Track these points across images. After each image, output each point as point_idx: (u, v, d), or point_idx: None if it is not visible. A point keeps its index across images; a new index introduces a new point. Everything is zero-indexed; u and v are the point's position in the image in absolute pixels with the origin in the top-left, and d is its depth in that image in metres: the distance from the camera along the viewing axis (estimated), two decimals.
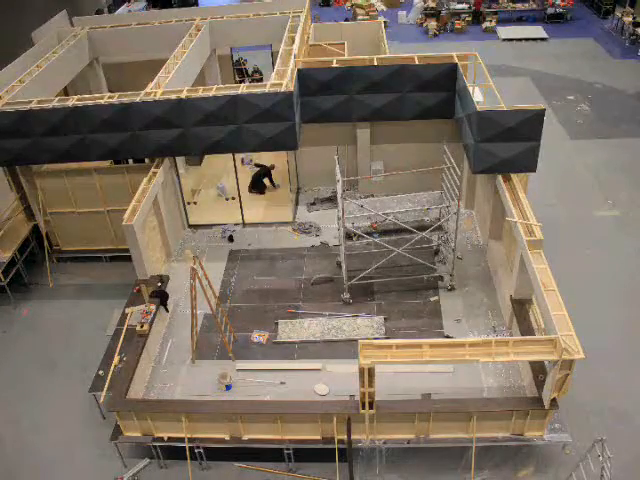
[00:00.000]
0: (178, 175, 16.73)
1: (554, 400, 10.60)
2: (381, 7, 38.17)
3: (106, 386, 11.70)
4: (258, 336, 13.56)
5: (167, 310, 13.93)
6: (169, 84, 15.21)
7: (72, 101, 14.75)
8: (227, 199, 17.85)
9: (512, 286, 13.06)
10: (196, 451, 11.67)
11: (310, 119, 16.06)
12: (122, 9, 32.54)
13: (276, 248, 16.43)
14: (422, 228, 14.48)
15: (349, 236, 15.00)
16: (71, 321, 15.44)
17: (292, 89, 14.23)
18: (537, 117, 13.21)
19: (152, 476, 12.01)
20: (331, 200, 18.09)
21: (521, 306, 12.68)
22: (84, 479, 12.08)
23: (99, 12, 31.01)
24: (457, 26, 33.59)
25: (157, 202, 14.98)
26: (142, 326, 12.54)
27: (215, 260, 16.04)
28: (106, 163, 17.12)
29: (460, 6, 35.36)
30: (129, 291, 14.04)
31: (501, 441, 11.22)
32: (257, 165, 18.76)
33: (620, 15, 32.35)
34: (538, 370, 11.22)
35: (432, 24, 34.00)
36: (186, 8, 21.77)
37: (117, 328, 13.32)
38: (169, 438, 11.62)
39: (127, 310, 13.12)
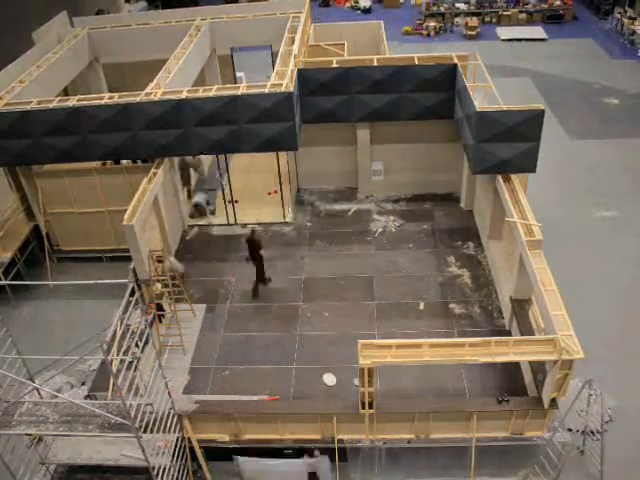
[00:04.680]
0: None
1: (554, 400, 10.62)
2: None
3: (110, 387, 11.69)
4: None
5: (161, 322, 13.95)
6: (169, 84, 15.23)
7: (72, 101, 14.77)
8: (231, 202, 17.78)
9: (512, 286, 13.09)
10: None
11: (310, 119, 16.08)
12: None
13: (275, 248, 16.46)
14: None
15: None
16: (71, 321, 15.45)
17: (292, 89, 14.25)
18: (536, 117, 13.24)
19: None
20: None
21: (521, 306, 12.70)
22: None
23: (100, 13, 31.01)
24: (470, 32, 33.33)
25: (157, 202, 15.00)
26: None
27: (215, 260, 16.08)
28: (106, 163, 17.15)
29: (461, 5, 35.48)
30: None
31: (501, 441, 11.25)
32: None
33: (619, 15, 32.40)
34: (537, 370, 11.23)
35: (431, 24, 34.09)
36: (186, 8, 21.73)
37: (116, 328, 13.31)
38: None
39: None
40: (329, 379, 12.24)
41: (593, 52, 30.42)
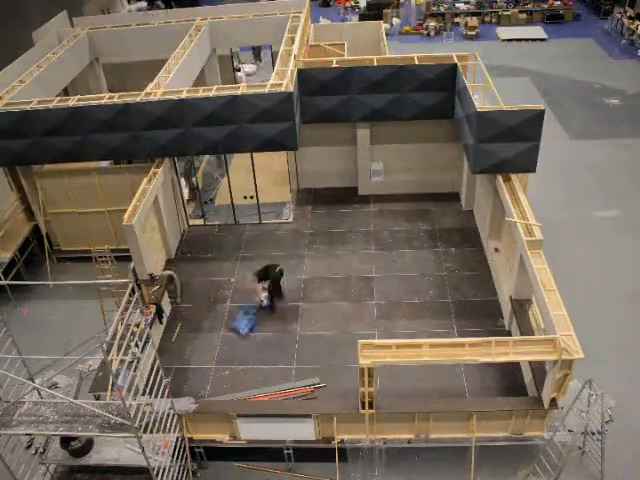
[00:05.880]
0: (178, 175, 16.75)
1: (554, 400, 10.62)
2: None
3: (109, 387, 11.70)
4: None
5: (161, 322, 13.94)
6: (169, 84, 15.23)
7: (72, 101, 14.77)
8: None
9: (512, 286, 13.08)
10: (196, 451, 11.69)
11: (310, 119, 16.08)
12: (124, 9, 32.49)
13: (276, 248, 16.46)
14: None
15: None
16: (71, 321, 15.45)
17: (292, 89, 14.25)
18: (536, 117, 13.23)
19: None
20: None
21: (521, 306, 12.70)
22: None
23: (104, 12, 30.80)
24: (470, 32, 33.33)
25: (157, 202, 15.01)
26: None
27: (215, 260, 16.09)
28: (106, 163, 17.15)
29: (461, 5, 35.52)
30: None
31: (501, 441, 11.24)
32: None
33: (619, 15, 32.41)
34: (537, 370, 11.23)
35: (431, 24, 34.12)
36: (186, 8, 21.78)
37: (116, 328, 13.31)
38: None
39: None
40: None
41: (593, 52, 30.42)
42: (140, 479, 10.84)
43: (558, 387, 10.36)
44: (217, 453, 11.84)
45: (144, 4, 34.91)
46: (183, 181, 17.42)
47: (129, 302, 9.85)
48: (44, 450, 10.97)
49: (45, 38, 19.25)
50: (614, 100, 25.42)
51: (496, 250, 14.63)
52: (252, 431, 11.45)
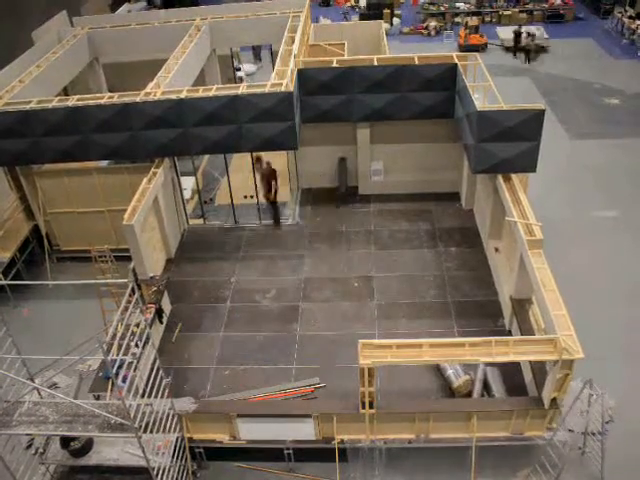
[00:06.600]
0: (178, 175, 16.74)
1: (554, 400, 10.61)
2: None
3: (108, 387, 11.69)
4: None
5: (162, 322, 13.93)
6: (169, 84, 15.23)
7: (72, 101, 14.76)
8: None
9: (512, 286, 13.08)
10: (196, 451, 11.68)
11: (310, 119, 16.07)
12: (123, 9, 32.48)
13: (275, 248, 16.46)
14: None
15: None
16: (71, 321, 15.43)
17: (292, 89, 14.24)
18: (537, 117, 13.23)
19: None
20: None
21: (521, 306, 12.70)
22: None
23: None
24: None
25: (157, 202, 15.00)
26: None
27: (215, 260, 16.08)
28: (105, 163, 17.15)
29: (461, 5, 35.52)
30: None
31: (501, 441, 11.24)
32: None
33: (619, 15, 32.40)
34: (538, 370, 11.22)
35: (432, 24, 34.12)
36: (186, 8, 21.78)
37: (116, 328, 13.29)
38: None
39: None
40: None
41: (593, 52, 30.42)
42: (140, 479, 10.84)
43: (558, 387, 10.36)
44: (217, 453, 11.83)
45: (144, 4, 34.94)
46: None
47: (129, 302, 9.84)
48: (44, 450, 10.96)
49: (45, 38, 19.25)
50: (614, 100, 25.41)
51: (496, 250, 14.62)
52: (252, 431, 11.44)
